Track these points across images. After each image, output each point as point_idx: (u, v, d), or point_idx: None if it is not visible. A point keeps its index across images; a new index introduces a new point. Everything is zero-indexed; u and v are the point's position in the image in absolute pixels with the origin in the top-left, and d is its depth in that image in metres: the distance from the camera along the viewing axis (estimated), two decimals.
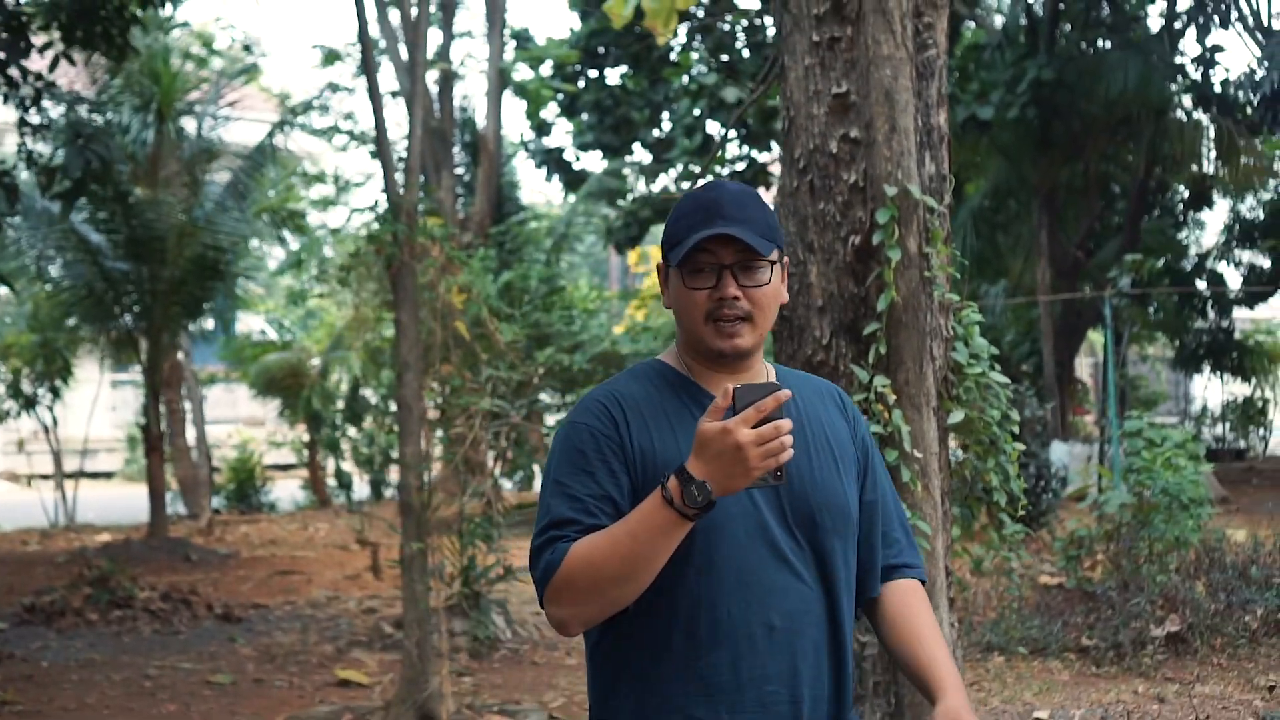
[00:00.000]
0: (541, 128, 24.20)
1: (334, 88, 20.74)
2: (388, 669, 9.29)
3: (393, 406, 18.92)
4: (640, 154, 24.21)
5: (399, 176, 8.36)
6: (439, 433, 8.62)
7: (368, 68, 8.47)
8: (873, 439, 2.88)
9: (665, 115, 23.53)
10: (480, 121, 22.11)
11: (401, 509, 7.98)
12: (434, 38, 22.02)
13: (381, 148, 8.28)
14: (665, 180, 24.13)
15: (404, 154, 18.29)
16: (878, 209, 5.11)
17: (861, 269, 5.21)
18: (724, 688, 2.53)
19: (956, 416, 5.22)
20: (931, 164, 5.35)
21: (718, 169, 22.70)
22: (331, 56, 21.64)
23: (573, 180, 24.04)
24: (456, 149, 21.71)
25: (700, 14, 21.62)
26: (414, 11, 8.75)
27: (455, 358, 8.21)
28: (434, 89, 20.27)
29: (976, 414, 5.31)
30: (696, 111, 22.10)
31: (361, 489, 20.12)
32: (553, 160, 24.14)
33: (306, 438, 20.82)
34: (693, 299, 2.61)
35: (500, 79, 20.73)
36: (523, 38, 23.26)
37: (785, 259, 2.72)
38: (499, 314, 9.01)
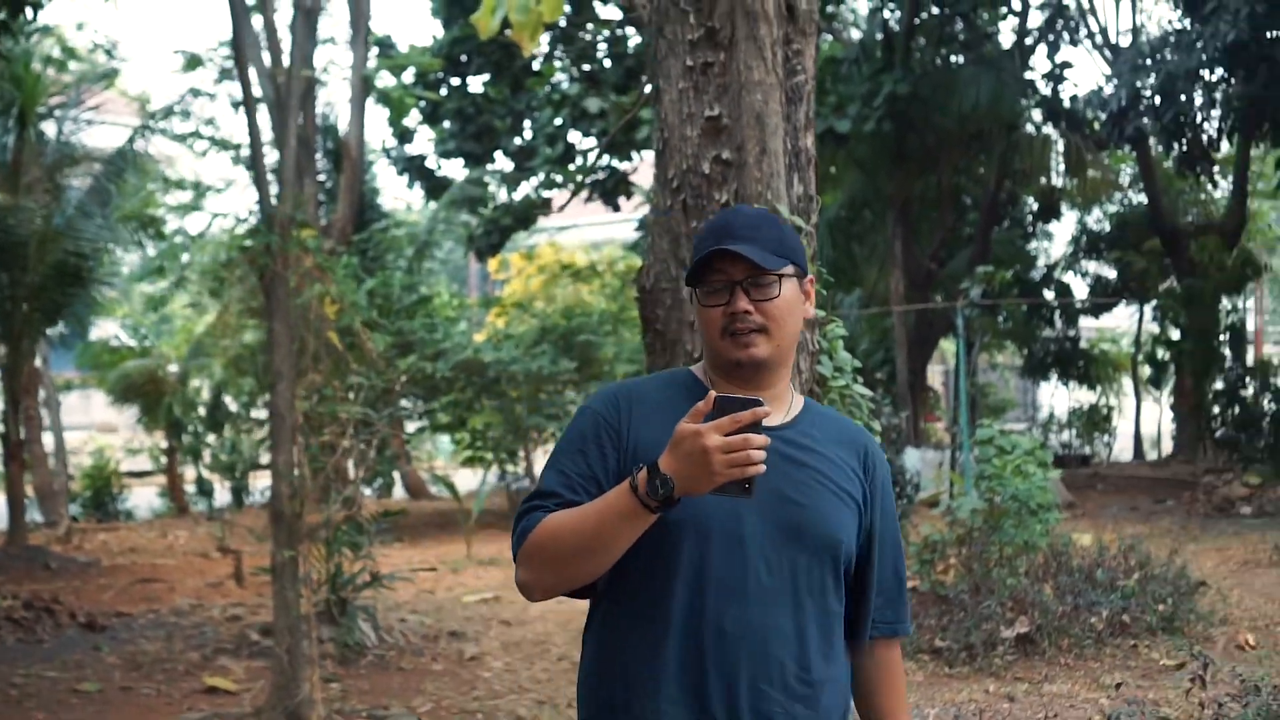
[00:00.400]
0: (404, 135, 24.19)
1: (195, 93, 20.54)
2: (255, 676, 9.33)
3: (255, 414, 18.88)
4: (502, 162, 24.32)
5: (272, 187, 8.43)
6: (300, 440, 8.66)
7: (243, 78, 8.54)
8: (890, 493, 2.98)
9: (527, 124, 23.66)
10: (342, 128, 22.04)
11: (272, 516, 8.05)
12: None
13: (256, 158, 8.35)
14: (527, 188, 24.27)
15: (271, 163, 18.20)
16: None
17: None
18: (668, 680, 2.68)
19: None
20: (799, 185, 5.57)
21: (580, 178, 22.91)
22: (193, 61, 21.42)
23: (435, 187, 24.06)
24: (319, 156, 21.63)
25: (562, 23, 21.77)
26: (288, 23, 8.82)
27: (325, 366, 8.30)
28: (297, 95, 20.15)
29: None
30: (559, 121, 22.26)
31: (222, 496, 19.98)
32: (415, 167, 24.14)
33: (165, 444, 20.62)
34: (709, 315, 2.75)
35: (364, 86, 20.70)
36: (385, 45, 23.23)
37: (810, 277, 2.86)
38: (370, 324, 9.12)
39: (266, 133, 10.52)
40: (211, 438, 19.42)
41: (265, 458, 19.33)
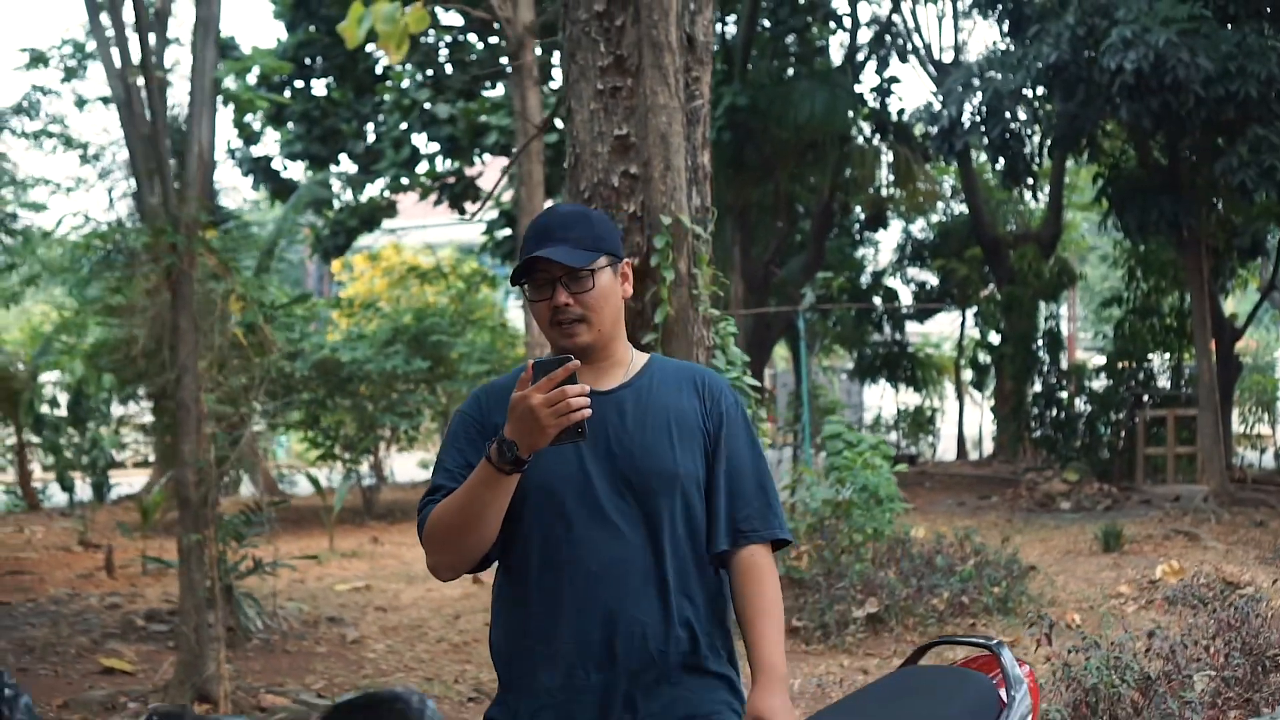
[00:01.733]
0: (249, 136, 24.35)
1: (43, 91, 20.56)
2: (146, 659, 9.68)
3: (115, 410, 19.01)
4: (347, 164, 24.58)
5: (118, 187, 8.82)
6: (207, 430, 9.05)
7: (148, 78, 8.92)
8: (739, 418, 3.30)
9: (370, 127, 23.97)
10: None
11: (180, 503, 8.46)
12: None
13: (159, 157, 8.74)
14: (373, 190, 24.59)
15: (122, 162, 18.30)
16: (654, 235, 5.94)
17: (639, 287, 6.02)
18: (555, 619, 3.16)
19: None
20: (697, 197, 6.20)
21: (427, 182, 23.30)
22: (38, 58, 21.40)
23: (280, 189, 24.27)
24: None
25: None
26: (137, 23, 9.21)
27: (229, 360, 8.73)
28: (144, 95, 20.28)
29: None
30: (404, 125, 22.63)
31: (80, 492, 19.97)
32: (260, 169, 24.31)
33: (11, 440, 20.58)
34: (538, 309, 3.18)
35: (213, 87, 20.88)
36: (228, 46, 23.37)
37: (626, 260, 3.25)
38: (270, 319, 9.56)
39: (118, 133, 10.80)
40: (71, 434, 19.38)
41: (120, 455, 19.51)
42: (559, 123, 19.39)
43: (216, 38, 19.91)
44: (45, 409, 19.82)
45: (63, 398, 20.05)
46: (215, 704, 8.13)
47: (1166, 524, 15.59)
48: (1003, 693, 3.51)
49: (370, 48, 20.43)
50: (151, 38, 9.59)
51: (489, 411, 3.24)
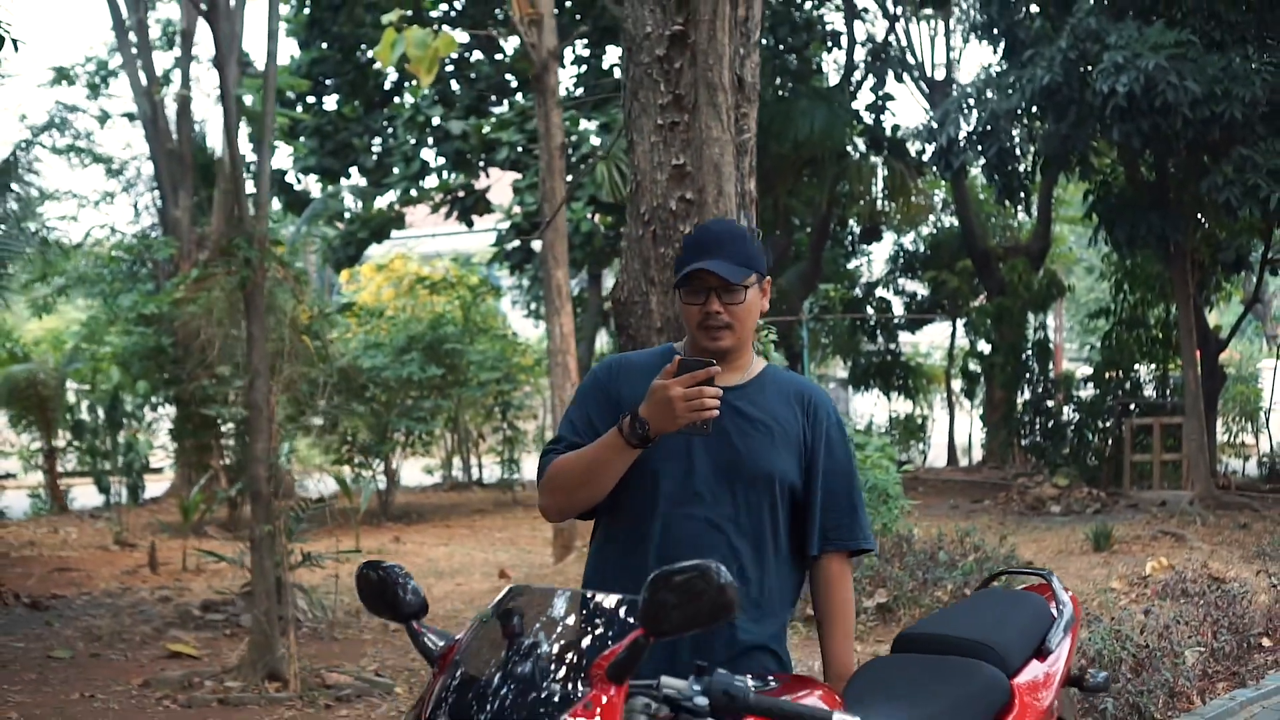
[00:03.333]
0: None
1: (72, 108, 21.20)
2: (207, 644, 10.38)
3: (148, 414, 19.67)
4: (357, 177, 25.20)
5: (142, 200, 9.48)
6: (277, 429, 9.74)
7: (225, 102, 9.62)
8: (839, 437, 3.65)
9: (379, 141, 24.59)
10: (211, 143, 22.85)
11: (252, 496, 9.16)
12: (170, 61, 22.76)
13: (235, 176, 9.46)
14: (383, 203, 25.24)
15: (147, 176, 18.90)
16: None
17: None
18: (641, 572, 3.33)
19: None
20: (745, 220, 6.94)
21: (436, 195, 23.95)
22: (62, 75, 22.07)
23: (293, 201, 24.90)
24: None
25: None
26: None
27: (296, 364, 9.44)
28: (171, 112, 21.02)
29: None
30: (413, 140, 23.28)
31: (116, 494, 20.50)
32: (274, 182, 24.90)
33: (38, 445, 21.17)
34: (690, 311, 3.53)
35: (237, 104, 21.51)
36: (244, 62, 24.00)
37: (768, 278, 3.62)
38: (333, 325, 10.25)
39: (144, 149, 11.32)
40: (107, 438, 19.96)
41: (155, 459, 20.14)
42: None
43: (239, 55, 20.65)
44: (89, 413, 20.49)
45: (91, 403, 20.68)
46: (285, 682, 8.85)
47: (1154, 526, 16.29)
48: (1053, 608, 4.32)
49: (379, 64, 21.06)
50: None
51: (618, 381, 3.62)
